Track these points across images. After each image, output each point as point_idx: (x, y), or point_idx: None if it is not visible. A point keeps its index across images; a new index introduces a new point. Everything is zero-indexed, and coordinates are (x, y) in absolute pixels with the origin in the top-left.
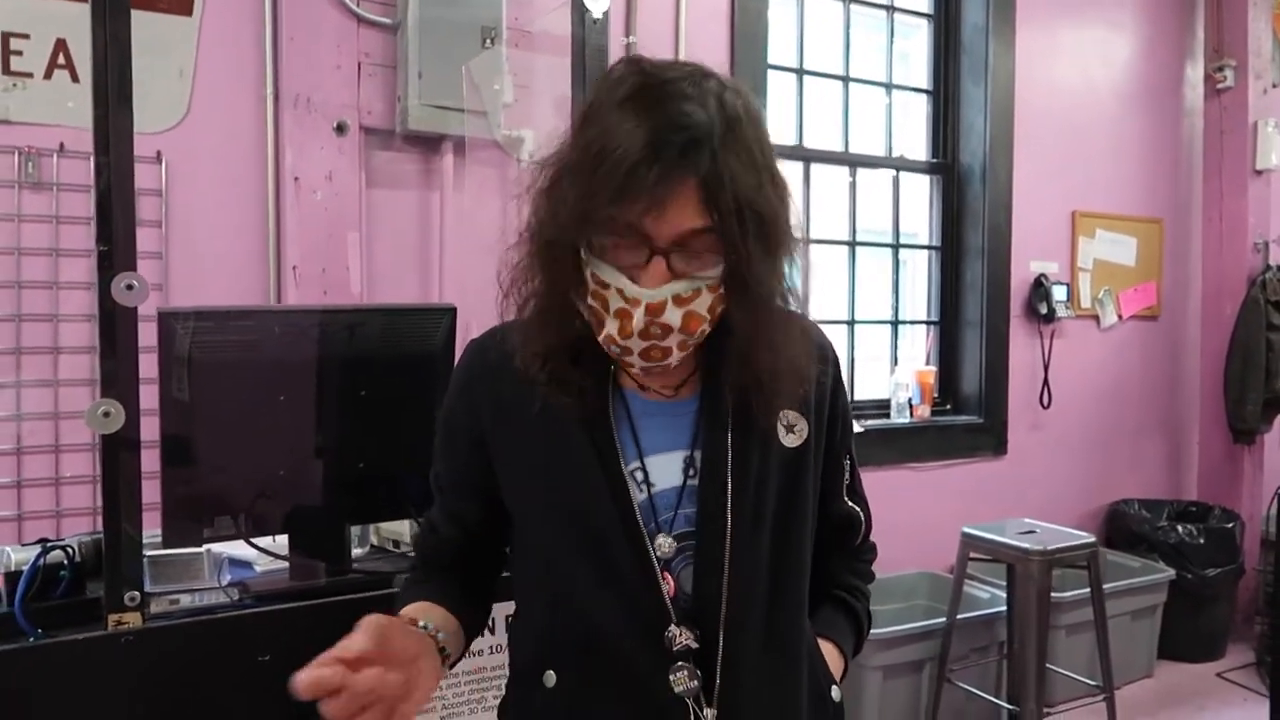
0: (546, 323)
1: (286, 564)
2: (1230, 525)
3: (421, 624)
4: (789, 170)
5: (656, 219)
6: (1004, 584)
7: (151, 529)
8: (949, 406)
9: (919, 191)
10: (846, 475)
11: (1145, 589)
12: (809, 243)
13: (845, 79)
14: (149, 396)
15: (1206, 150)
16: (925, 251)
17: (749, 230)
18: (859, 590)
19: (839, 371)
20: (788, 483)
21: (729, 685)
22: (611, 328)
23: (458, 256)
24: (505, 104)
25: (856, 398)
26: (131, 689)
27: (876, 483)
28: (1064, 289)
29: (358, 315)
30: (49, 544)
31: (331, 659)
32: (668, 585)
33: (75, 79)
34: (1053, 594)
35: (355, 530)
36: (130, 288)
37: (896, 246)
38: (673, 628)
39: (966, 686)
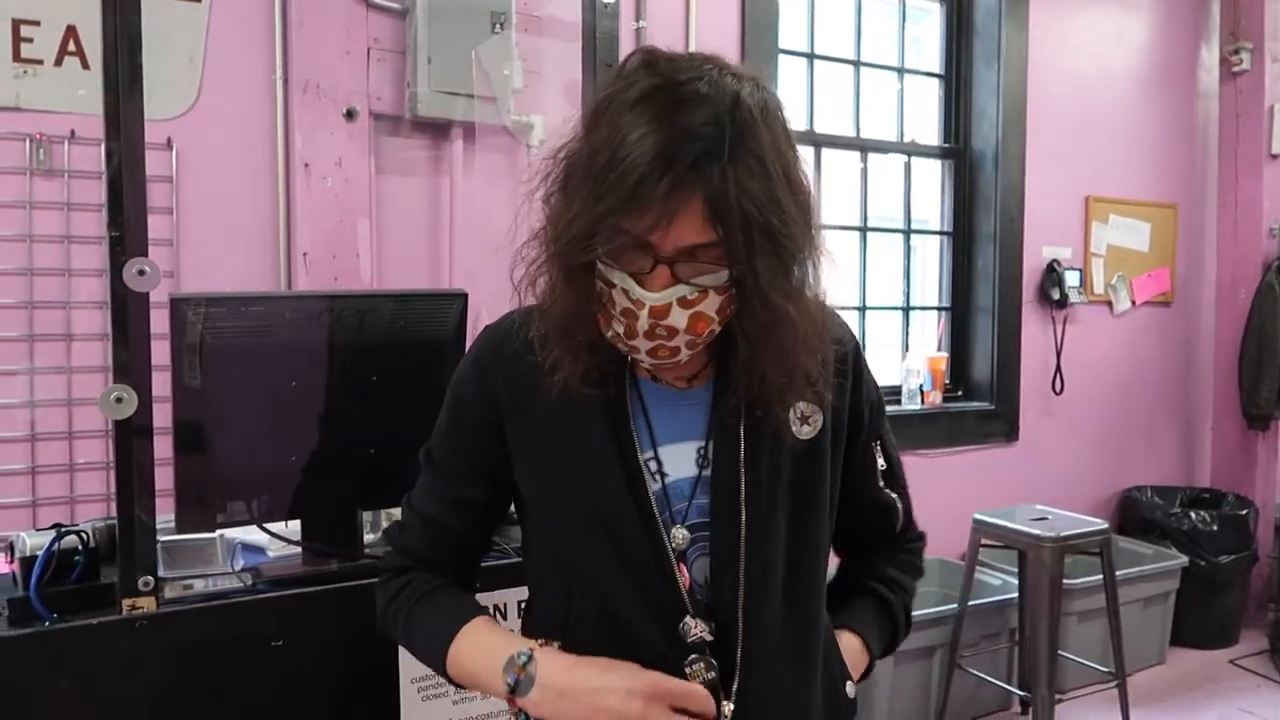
0: (565, 315)
1: (299, 549)
2: (1244, 512)
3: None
4: (801, 156)
5: (663, 233)
6: (1015, 570)
7: (165, 514)
8: (960, 393)
9: (931, 177)
10: (881, 461)
11: (1158, 576)
12: (820, 228)
13: (857, 63)
14: (162, 383)
15: (1222, 134)
16: (937, 237)
17: (755, 244)
18: (896, 583)
19: (860, 360)
20: (802, 474)
21: (745, 677)
22: (618, 327)
23: (467, 242)
24: (515, 89)
25: None
26: (146, 673)
27: None
28: (1077, 275)
29: (368, 301)
30: (64, 529)
31: None
32: (682, 577)
33: (86, 66)
34: (1065, 581)
35: (367, 516)
36: (142, 273)
37: (908, 232)
38: (687, 619)
39: (978, 673)
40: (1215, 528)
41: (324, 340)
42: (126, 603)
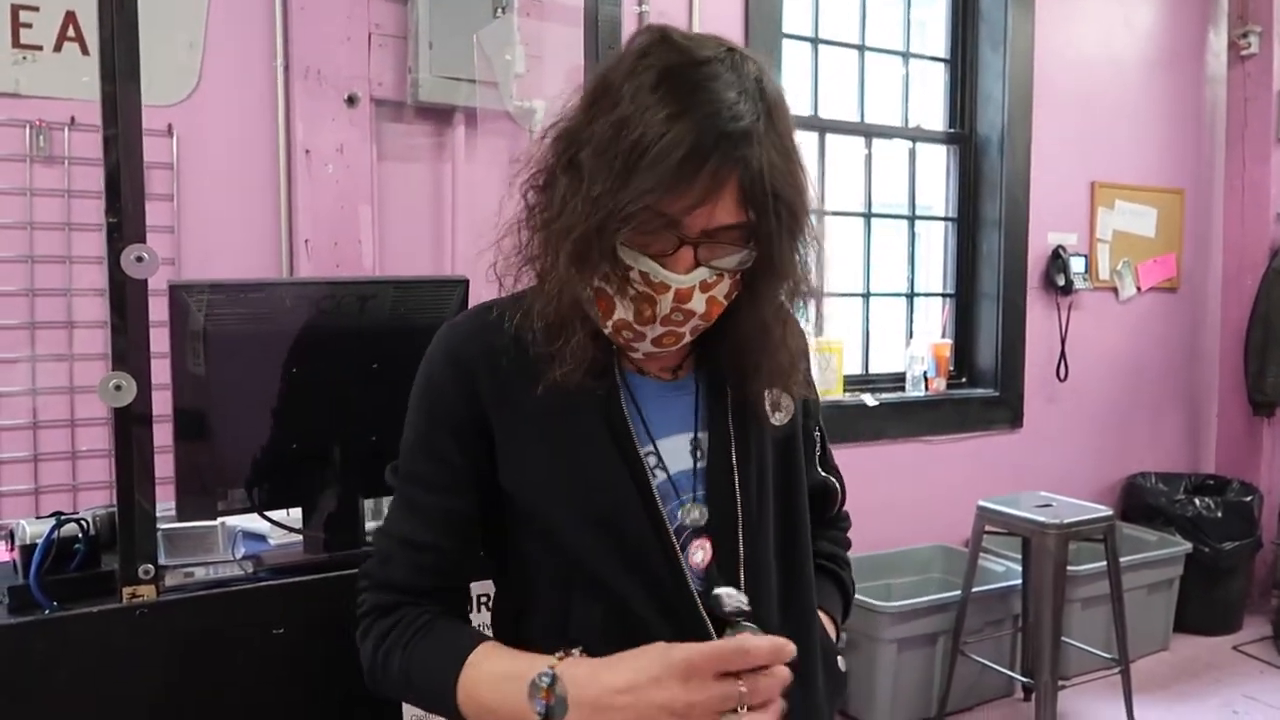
0: (571, 304)
1: (299, 537)
2: (1249, 499)
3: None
4: (804, 141)
5: (700, 214)
6: (1019, 557)
7: (165, 502)
8: (965, 379)
9: (936, 162)
10: (818, 447)
11: (1162, 562)
12: (824, 214)
13: (861, 48)
14: (162, 370)
15: (1229, 119)
16: (942, 223)
17: (782, 224)
18: (841, 559)
19: (809, 366)
20: (783, 460)
21: None
22: (626, 313)
23: (469, 229)
24: (517, 74)
25: (872, 371)
26: (146, 661)
27: (892, 456)
28: (1082, 260)
29: (370, 287)
30: (63, 517)
31: None
32: (705, 554)
33: (85, 51)
34: (1068, 567)
35: (368, 504)
36: (140, 260)
37: (912, 218)
38: (719, 591)
39: (981, 659)
40: (1219, 514)
41: (325, 327)
42: (127, 591)
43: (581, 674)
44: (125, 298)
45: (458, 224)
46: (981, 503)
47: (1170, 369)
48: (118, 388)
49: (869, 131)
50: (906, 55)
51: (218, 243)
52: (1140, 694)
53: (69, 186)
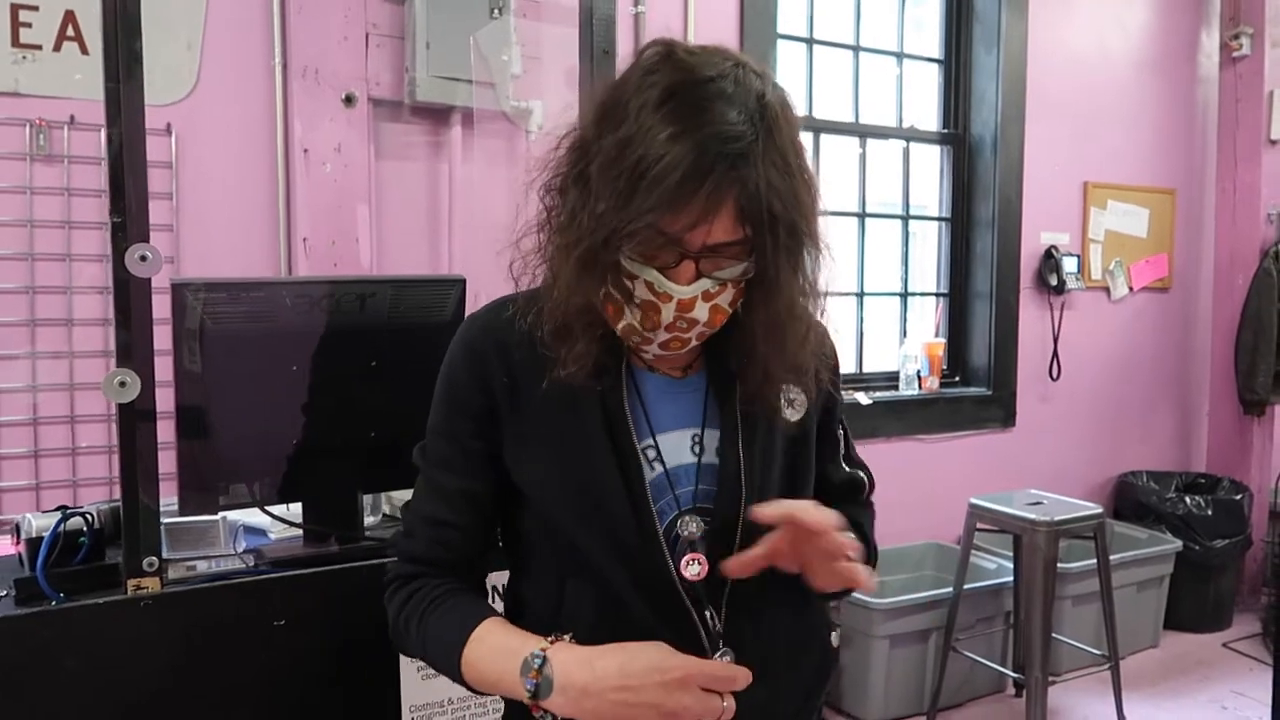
0: (580, 308)
1: (300, 531)
2: (1239, 497)
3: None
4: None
5: (698, 232)
6: (1011, 554)
7: (167, 497)
8: (958, 379)
9: (929, 162)
10: (842, 445)
11: (1152, 560)
12: (822, 215)
13: (856, 48)
14: (163, 368)
15: (1221, 119)
16: (935, 223)
17: (779, 241)
18: (869, 525)
19: (837, 376)
20: (792, 457)
21: (742, 661)
22: (634, 318)
23: (466, 228)
24: (513, 75)
25: (865, 370)
26: (150, 651)
27: (885, 454)
28: (1075, 260)
29: (368, 286)
30: (69, 511)
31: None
32: (701, 568)
33: (85, 51)
34: (1059, 564)
35: (367, 499)
36: (144, 259)
37: (906, 218)
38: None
39: (972, 655)
40: (1210, 512)
41: (324, 325)
42: (131, 583)
43: (573, 659)
44: (129, 296)
45: (454, 223)
46: (973, 500)
47: (1162, 368)
48: (122, 384)
49: (863, 132)
50: (901, 56)
51: (216, 241)
52: (1130, 690)
53: (69, 185)
